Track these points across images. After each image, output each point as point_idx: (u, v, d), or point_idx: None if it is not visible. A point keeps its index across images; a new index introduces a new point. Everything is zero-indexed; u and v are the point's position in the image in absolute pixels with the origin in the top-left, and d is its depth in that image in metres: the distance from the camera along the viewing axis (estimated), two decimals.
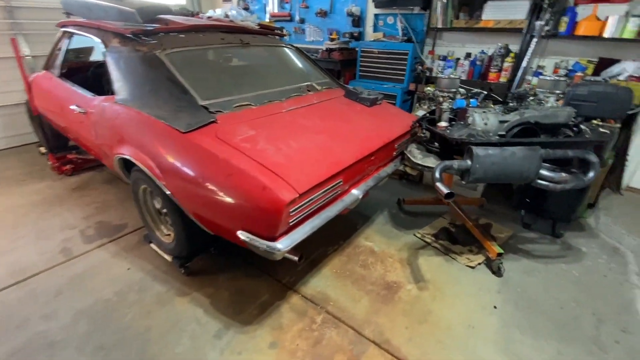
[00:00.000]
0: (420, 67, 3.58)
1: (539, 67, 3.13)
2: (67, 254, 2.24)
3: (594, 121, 2.15)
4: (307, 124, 1.92)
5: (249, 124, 1.75)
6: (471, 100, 1.95)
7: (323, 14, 4.55)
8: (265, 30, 2.72)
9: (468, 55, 3.41)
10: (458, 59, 3.41)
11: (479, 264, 2.24)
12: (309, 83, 2.41)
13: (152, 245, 2.22)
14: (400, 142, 2.24)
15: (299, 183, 1.41)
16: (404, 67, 3.66)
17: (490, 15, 3.10)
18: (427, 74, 3.59)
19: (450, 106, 2.03)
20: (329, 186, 1.60)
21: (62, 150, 3.40)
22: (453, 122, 2.01)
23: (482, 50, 3.33)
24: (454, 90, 2.06)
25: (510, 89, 3.10)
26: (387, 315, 1.84)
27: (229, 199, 1.43)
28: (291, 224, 1.45)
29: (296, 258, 1.52)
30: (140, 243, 2.34)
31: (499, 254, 2.11)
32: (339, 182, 1.68)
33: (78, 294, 1.92)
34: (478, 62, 3.29)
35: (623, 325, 1.81)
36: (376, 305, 1.90)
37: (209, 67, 2.23)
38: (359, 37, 4.29)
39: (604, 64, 2.87)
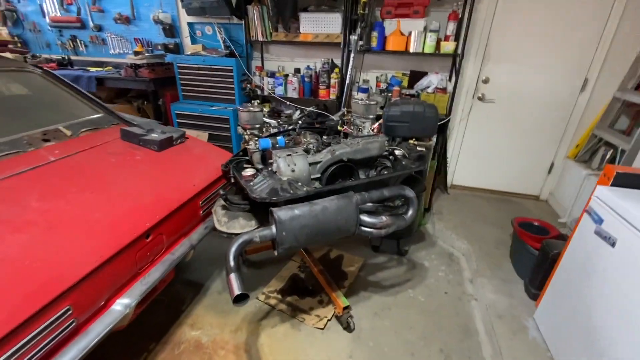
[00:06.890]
0: (248, 85, 3.12)
1: (364, 81, 3.10)
2: None
3: (411, 141, 2.07)
4: (11, 209, 1.12)
5: None
6: (278, 138, 1.53)
7: (125, 20, 3.58)
8: None
9: (297, 70, 3.14)
10: (287, 75, 3.10)
11: (329, 320, 1.90)
12: (48, 128, 1.57)
13: None
14: (208, 194, 1.68)
15: None
16: (232, 86, 3.15)
17: (308, 28, 2.88)
18: (258, 92, 3.16)
19: (257, 147, 1.57)
20: (43, 325, 0.88)
21: None
22: (263, 167, 1.56)
23: (308, 66, 3.11)
24: (258, 125, 1.61)
25: (341, 106, 2.96)
26: None
27: None
28: None
29: None
30: None
31: (345, 308, 1.81)
32: (66, 312, 0.98)
33: None
34: (307, 79, 3.05)
35: (467, 354, 1.74)
36: None
37: None
38: (177, 49, 3.54)
39: (415, 76, 3.01)
